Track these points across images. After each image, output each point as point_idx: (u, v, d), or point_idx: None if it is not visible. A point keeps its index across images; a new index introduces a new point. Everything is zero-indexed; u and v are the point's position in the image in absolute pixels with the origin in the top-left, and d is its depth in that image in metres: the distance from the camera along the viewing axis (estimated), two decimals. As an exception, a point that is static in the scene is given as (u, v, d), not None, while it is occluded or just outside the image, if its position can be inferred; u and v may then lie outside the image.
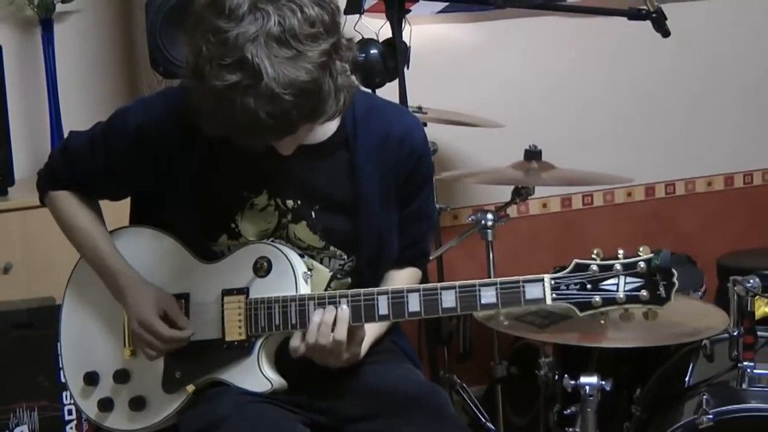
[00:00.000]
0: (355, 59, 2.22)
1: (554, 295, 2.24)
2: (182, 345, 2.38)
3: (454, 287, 2.27)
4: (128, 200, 2.58)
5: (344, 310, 2.28)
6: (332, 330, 2.28)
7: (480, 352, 3.87)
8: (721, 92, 4.64)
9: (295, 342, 2.31)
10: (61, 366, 2.53)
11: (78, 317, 2.53)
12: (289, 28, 2.05)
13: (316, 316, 2.29)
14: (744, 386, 2.75)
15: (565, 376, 2.83)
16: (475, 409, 3.76)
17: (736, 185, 4.75)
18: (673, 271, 2.22)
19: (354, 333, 2.31)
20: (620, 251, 2.25)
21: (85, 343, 2.52)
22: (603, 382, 2.77)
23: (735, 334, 2.76)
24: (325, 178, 2.40)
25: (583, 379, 2.78)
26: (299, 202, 2.39)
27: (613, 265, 2.23)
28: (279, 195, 2.39)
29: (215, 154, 2.36)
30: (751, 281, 2.72)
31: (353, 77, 2.22)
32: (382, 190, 2.42)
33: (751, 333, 2.74)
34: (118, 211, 2.60)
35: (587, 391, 2.77)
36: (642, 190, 4.61)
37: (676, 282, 2.22)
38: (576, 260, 2.25)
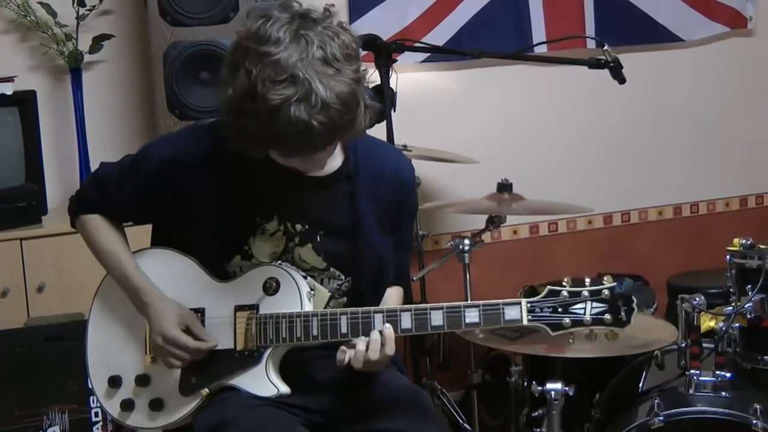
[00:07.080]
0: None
1: (530, 317, 2.26)
2: (204, 355, 2.39)
3: (441, 308, 2.29)
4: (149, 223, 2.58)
5: (389, 327, 2.29)
6: (382, 346, 2.29)
7: (458, 361, 3.87)
8: (670, 132, 4.67)
9: (341, 356, 2.31)
10: (87, 372, 2.54)
11: (103, 326, 2.52)
12: (330, 52, 2.11)
13: (361, 343, 2.30)
14: (691, 391, 2.78)
15: (533, 382, 2.86)
16: (453, 412, 3.76)
17: (684, 214, 4.76)
18: (633, 298, 2.24)
19: None
20: (587, 279, 2.26)
21: (109, 350, 2.51)
22: (567, 388, 2.80)
23: (683, 345, 2.78)
24: (329, 207, 2.41)
25: (549, 386, 2.81)
26: (306, 226, 2.40)
27: (581, 291, 2.25)
28: (288, 220, 2.40)
29: (232, 185, 2.37)
30: (697, 299, 2.75)
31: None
32: (378, 219, 2.43)
33: (697, 345, 2.77)
34: (140, 233, 2.61)
35: (553, 395, 2.80)
36: (601, 219, 4.62)
37: (636, 308, 2.24)
38: (549, 286, 2.26)
